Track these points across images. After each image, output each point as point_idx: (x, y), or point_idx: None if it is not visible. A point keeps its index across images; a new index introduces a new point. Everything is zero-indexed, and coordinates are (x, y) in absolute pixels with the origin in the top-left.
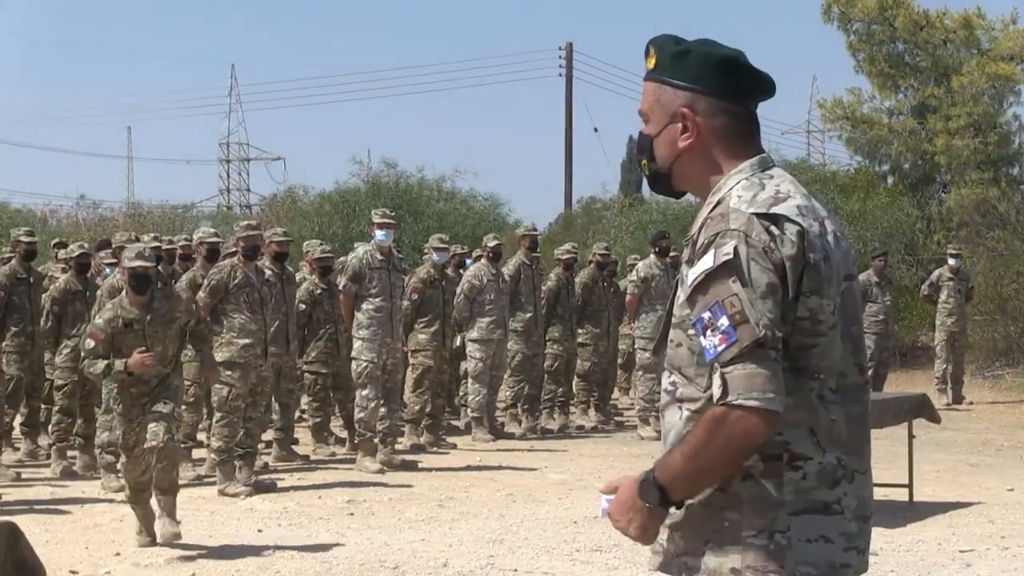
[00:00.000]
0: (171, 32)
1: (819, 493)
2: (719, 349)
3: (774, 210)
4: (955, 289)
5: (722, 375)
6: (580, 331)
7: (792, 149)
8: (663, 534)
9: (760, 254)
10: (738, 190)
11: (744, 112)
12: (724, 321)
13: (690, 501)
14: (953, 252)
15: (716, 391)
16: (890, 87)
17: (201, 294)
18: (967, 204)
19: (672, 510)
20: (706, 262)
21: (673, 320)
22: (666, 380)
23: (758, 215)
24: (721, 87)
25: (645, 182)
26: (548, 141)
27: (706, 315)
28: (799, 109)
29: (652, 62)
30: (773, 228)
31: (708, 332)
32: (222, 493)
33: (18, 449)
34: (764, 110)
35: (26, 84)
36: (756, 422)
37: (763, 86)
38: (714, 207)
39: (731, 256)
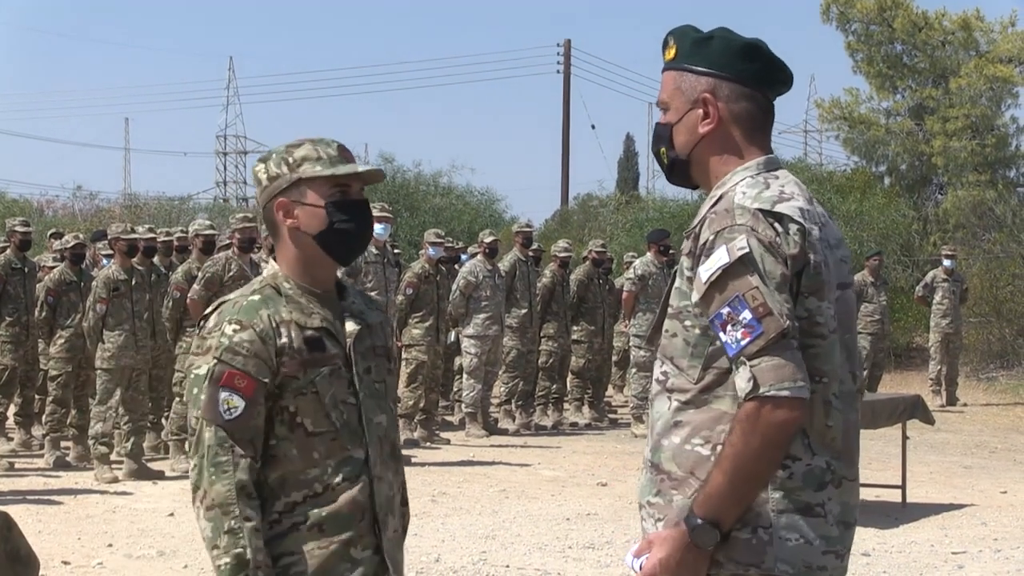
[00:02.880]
0: (170, 24)
1: (804, 494)
2: (743, 343)
3: (778, 208)
4: (949, 291)
5: (750, 369)
6: (575, 328)
7: (789, 149)
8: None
9: (769, 248)
10: (742, 187)
11: (765, 101)
12: (747, 315)
13: (678, 495)
14: (947, 253)
15: (745, 385)
16: (888, 88)
17: (196, 286)
18: (963, 206)
19: (661, 502)
20: (720, 258)
21: (669, 310)
22: (658, 370)
23: (762, 211)
24: (744, 73)
25: (640, 177)
26: (545, 138)
27: (725, 311)
28: (796, 109)
29: (672, 52)
30: (777, 225)
31: (729, 327)
32: None
33: (11, 439)
34: None
35: (24, 74)
36: (790, 411)
37: (783, 75)
38: (716, 202)
39: (747, 250)
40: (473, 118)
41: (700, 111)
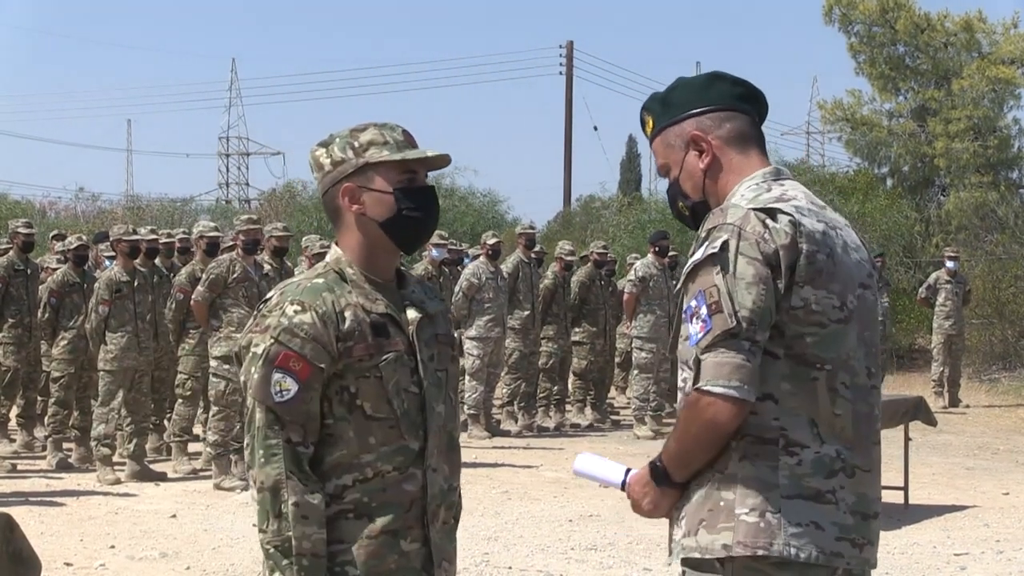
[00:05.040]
0: (172, 26)
1: (813, 481)
2: (699, 337)
3: (770, 205)
4: (952, 292)
5: (697, 361)
6: (577, 329)
7: (792, 150)
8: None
9: (751, 246)
10: (743, 190)
11: (747, 117)
12: (704, 310)
13: (694, 485)
14: (950, 255)
15: (692, 377)
16: (890, 89)
17: (200, 288)
18: (966, 207)
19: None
20: (699, 254)
21: (683, 315)
22: (680, 377)
23: (755, 209)
24: (714, 97)
25: (643, 179)
26: (548, 139)
27: (692, 303)
28: (799, 110)
29: (650, 123)
30: (768, 220)
31: (693, 320)
32: (217, 487)
33: (14, 440)
34: None
35: (26, 76)
36: (721, 409)
37: (751, 91)
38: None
39: (717, 249)
40: (475, 120)
41: (694, 151)
